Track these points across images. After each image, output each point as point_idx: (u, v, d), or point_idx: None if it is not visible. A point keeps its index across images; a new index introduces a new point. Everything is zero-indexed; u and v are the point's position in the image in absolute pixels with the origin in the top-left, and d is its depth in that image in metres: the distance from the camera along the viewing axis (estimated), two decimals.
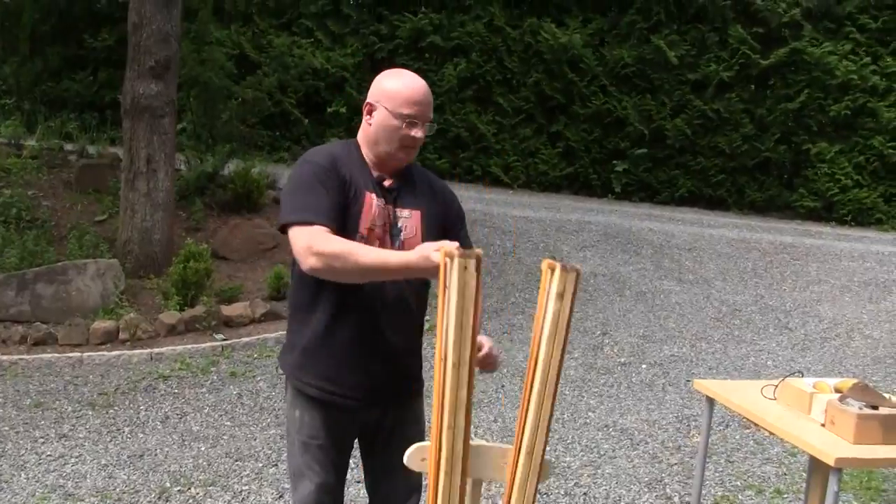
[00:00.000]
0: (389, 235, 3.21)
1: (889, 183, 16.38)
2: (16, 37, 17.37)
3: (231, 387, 7.00)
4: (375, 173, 3.23)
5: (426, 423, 3.40)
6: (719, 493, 5.57)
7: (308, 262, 3.02)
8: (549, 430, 2.83)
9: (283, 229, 3.10)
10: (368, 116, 3.22)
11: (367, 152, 3.26)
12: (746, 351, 8.72)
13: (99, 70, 17.17)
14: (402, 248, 3.19)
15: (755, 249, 13.02)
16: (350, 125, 17.07)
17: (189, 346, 7.76)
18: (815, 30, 16.43)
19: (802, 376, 4.04)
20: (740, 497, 5.55)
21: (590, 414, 6.80)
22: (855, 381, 3.62)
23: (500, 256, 11.28)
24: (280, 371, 3.54)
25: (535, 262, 11.19)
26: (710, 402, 4.26)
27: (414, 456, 3.00)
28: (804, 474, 5.91)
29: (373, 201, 3.17)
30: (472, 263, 2.95)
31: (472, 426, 3.02)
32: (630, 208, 15.66)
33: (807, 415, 3.70)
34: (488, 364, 3.13)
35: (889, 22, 16.37)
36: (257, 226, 10.79)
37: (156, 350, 7.65)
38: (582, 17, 16.87)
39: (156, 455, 5.70)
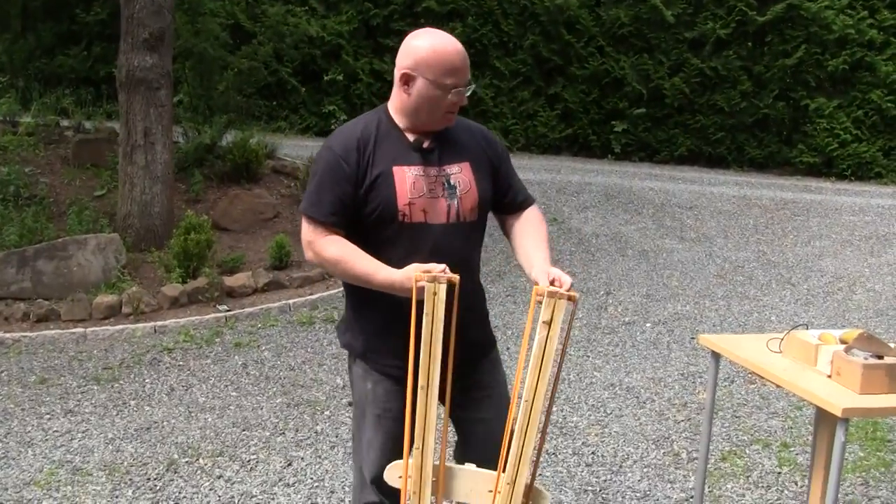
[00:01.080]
0: (445, 197, 3.18)
1: (888, 137, 16.29)
2: (7, 14, 17.28)
3: (236, 357, 7.00)
4: (412, 137, 3.20)
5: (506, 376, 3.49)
6: (727, 449, 5.58)
7: (307, 255, 3.21)
8: (538, 461, 2.84)
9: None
10: (406, 87, 3.15)
11: (401, 120, 3.22)
12: (750, 307, 8.71)
13: (93, 44, 17.09)
14: (459, 204, 3.19)
15: (756, 206, 13.00)
16: (347, 93, 17.01)
17: (192, 318, 7.76)
18: None
19: (808, 328, 4.02)
20: (747, 451, 5.56)
21: (595, 374, 6.80)
22: (860, 331, 3.60)
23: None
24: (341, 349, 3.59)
25: None
26: (716, 357, 4.24)
27: (391, 472, 3.04)
28: (810, 427, 5.92)
29: (406, 174, 3.14)
30: (442, 289, 2.95)
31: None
32: (630, 168, 15.62)
33: (812, 366, 3.69)
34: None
35: None
36: (257, 196, 10.76)
37: (159, 323, 7.65)
38: None
39: (162, 427, 5.71)
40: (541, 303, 2.86)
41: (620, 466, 5.31)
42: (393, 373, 3.22)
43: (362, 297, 3.22)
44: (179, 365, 6.83)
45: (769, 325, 8.17)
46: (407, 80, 3.13)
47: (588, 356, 7.19)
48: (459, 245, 3.20)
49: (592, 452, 5.44)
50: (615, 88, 16.57)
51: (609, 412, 6.09)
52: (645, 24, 16.36)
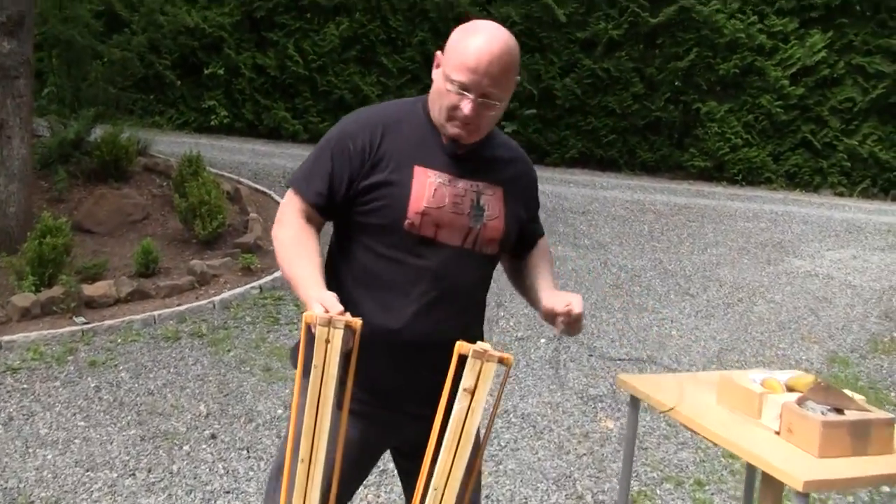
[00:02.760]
0: (470, 217, 2.70)
1: (777, 142, 16.19)
2: None
3: (89, 378, 6.25)
4: (447, 139, 2.71)
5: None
6: (635, 489, 5.06)
7: (273, 230, 2.81)
8: None
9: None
10: (436, 69, 2.75)
11: (432, 110, 2.74)
12: (649, 320, 8.28)
13: None
14: (483, 231, 2.72)
15: (650, 211, 12.65)
16: (229, 88, 16.30)
17: (44, 332, 6.98)
18: None
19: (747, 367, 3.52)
20: (658, 492, 5.06)
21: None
22: (812, 378, 3.10)
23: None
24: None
25: None
26: (635, 402, 3.69)
27: None
28: (724, 460, 5.48)
29: (428, 177, 2.68)
30: (337, 335, 2.35)
31: None
32: None
33: (755, 419, 3.16)
34: (572, 326, 2.73)
35: None
36: (126, 196, 9.99)
37: (6, 338, 6.83)
38: None
39: None
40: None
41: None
42: (359, 410, 2.72)
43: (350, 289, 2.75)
44: (23, 388, 6.05)
45: (670, 341, 7.75)
46: (437, 63, 2.75)
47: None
48: (470, 279, 2.77)
49: (486, 495, 4.86)
50: None
51: (503, 445, 5.52)
52: (536, 23, 15.93)
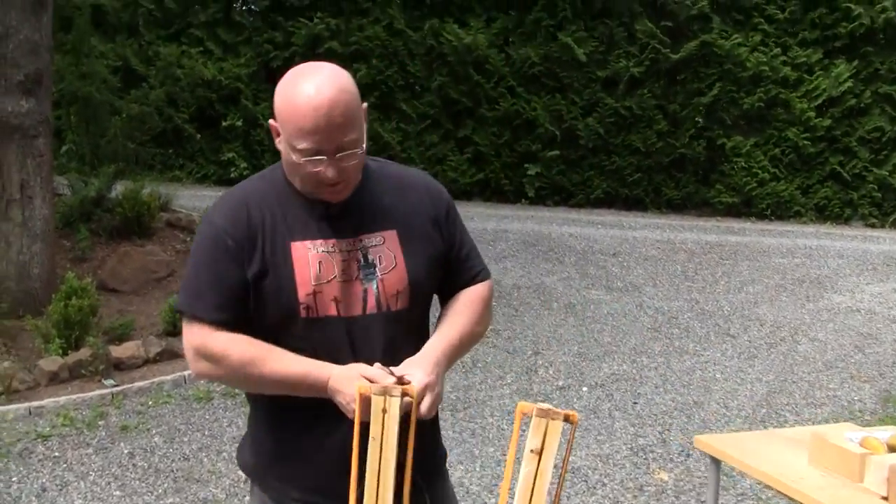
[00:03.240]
0: (360, 279, 2.41)
1: (805, 175, 15.93)
2: None
3: (122, 444, 6.05)
4: (316, 201, 2.42)
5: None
6: None
7: (195, 367, 2.45)
8: None
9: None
10: (277, 138, 2.41)
11: (289, 179, 2.46)
12: (691, 364, 8.03)
13: None
14: (380, 288, 2.42)
15: (681, 250, 12.41)
16: (247, 139, 16.16)
17: (74, 397, 6.78)
18: (723, 22, 15.90)
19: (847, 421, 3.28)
20: None
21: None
22: None
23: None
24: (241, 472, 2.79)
25: None
26: (716, 464, 3.45)
27: None
28: None
29: (309, 251, 2.39)
30: (395, 405, 2.18)
31: None
32: (546, 213, 14.95)
33: (856, 482, 2.92)
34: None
35: (796, 12, 15.88)
36: (150, 252, 9.81)
37: (35, 403, 6.65)
38: (485, 16, 16.13)
39: None
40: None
41: None
42: None
43: (270, 401, 2.48)
44: (55, 457, 5.85)
45: (715, 384, 7.50)
46: (275, 132, 2.41)
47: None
48: (385, 345, 2.43)
49: None
50: (527, 130, 15.93)
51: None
52: (556, 63, 15.77)
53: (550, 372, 7.67)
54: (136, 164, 12.84)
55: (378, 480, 2.19)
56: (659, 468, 5.81)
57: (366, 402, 2.20)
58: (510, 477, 2.19)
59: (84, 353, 7.28)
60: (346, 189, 2.40)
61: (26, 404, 6.65)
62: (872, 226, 15.63)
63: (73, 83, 11.61)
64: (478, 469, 5.71)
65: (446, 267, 2.58)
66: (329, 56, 15.70)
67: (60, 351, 7.29)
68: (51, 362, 7.14)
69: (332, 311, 2.37)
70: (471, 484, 5.49)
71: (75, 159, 12.18)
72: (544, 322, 9.07)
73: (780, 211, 15.82)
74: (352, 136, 2.31)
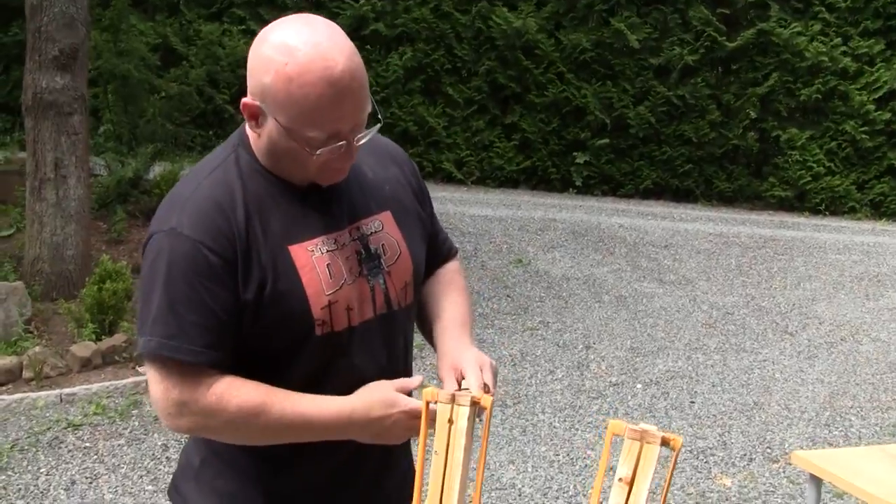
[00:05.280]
0: (365, 273, 2.00)
1: (861, 170, 15.42)
2: None
3: (155, 435, 5.76)
4: (305, 188, 1.99)
5: None
6: None
7: (177, 424, 1.92)
8: None
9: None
10: (253, 122, 1.94)
11: (272, 165, 1.98)
12: (749, 362, 7.65)
13: (11, 67, 15.74)
14: (388, 283, 2.03)
15: (735, 244, 12.00)
16: None
17: (106, 384, 6.50)
18: (782, 10, 15.39)
19: None
20: None
21: (589, 453, 5.68)
22: None
23: (461, 261, 10.10)
24: None
25: (499, 265, 10.10)
26: (816, 483, 3.09)
27: None
28: None
29: (313, 255, 1.95)
30: (462, 415, 1.87)
31: None
32: (594, 203, 14.56)
33: None
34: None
35: (858, 0, 15.42)
36: None
37: (66, 390, 6.38)
38: None
39: None
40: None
41: None
42: None
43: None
44: (86, 447, 5.57)
45: (775, 384, 7.13)
46: (253, 113, 1.93)
47: (576, 429, 6.08)
48: (388, 351, 2.07)
49: None
50: (576, 118, 15.52)
51: None
52: (608, 49, 15.35)
53: (603, 367, 7.33)
54: (174, 145, 12.63)
55: (441, 501, 1.86)
56: (721, 473, 5.46)
57: (430, 411, 1.88)
58: None
59: (118, 338, 7.01)
60: (348, 170, 2.00)
61: (57, 391, 6.39)
62: None
63: (110, 60, 11.36)
64: (530, 470, 5.38)
65: (427, 244, 2.24)
66: (374, 38, 15.44)
67: (94, 336, 7.03)
68: (83, 348, 6.88)
69: (345, 324, 1.97)
70: (523, 486, 5.16)
71: (112, 139, 11.97)
72: (595, 315, 8.72)
73: (835, 206, 15.33)
74: (367, 111, 1.93)
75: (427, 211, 2.25)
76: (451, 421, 1.86)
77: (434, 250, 2.29)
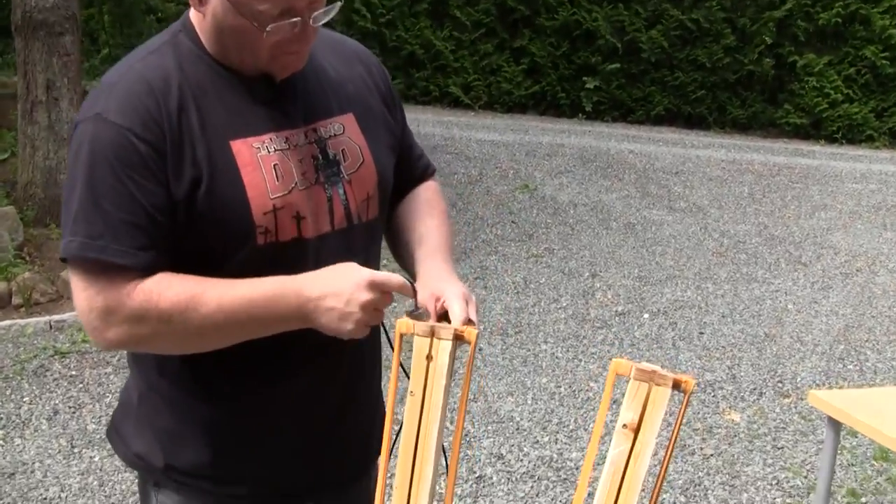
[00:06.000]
0: (322, 183, 1.75)
1: (881, 97, 15.09)
2: None
3: None
4: (254, 78, 1.73)
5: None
6: (779, 500, 4.27)
7: (106, 337, 1.63)
8: None
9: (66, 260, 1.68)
10: (196, 0, 1.69)
11: (218, 51, 1.72)
12: (760, 292, 7.42)
13: None
14: (348, 193, 1.77)
15: (748, 172, 11.71)
16: None
17: None
18: None
19: None
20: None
21: (592, 385, 5.47)
22: None
23: (466, 186, 9.88)
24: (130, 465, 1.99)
25: (504, 191, 9.85)
26: (835, 426, 2.85)
27: None
28: (875, 464, 4.66)
29: (258, 153, 1.69)
30: (443, 350, 1.62)
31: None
32: (603, 128, 14.26)
33: None
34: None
35: None
36: None
37: (56, 317, 6.18)
38: None
39: (31, 473, 4.26)
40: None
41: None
42: None
43: (188, 360, 1.77)
44: (71, 375, 5.36)
45: (787, 316, 6.90)
46: None
47: (579, 359, 5.86)
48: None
49: None
50: (587, 41, 15.15)
51: None
52: None
53: (609, 296, 7.10)
54: None
55: (415, 450, 1.62)
56: (729, 408, 5.25)
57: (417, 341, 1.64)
58: (593, 458, 1.63)
59: None
60: (305, 55, 1.75)
61: (47, 318, 6.20)
62: None
63: None
64: (529, 402, 5.17)
65: (399, 160, 1.97)
66: None
67: None
68: None
69: (293, 234, 1.72)
70: (521, 419, 4.96)
71: (109, 62, 11.69)
72: (602, 242, 8.48)
73: (852, 134, 15.02)
74: None
75: (397, 119, 1.97)
76: (429, 357, 1.61)
77: (408, 167, 2.03)
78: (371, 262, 1.83)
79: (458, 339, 1.64)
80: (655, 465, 1.61)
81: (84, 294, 1.63)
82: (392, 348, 1.67)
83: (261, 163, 1.68)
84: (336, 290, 1.61)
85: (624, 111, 15.24)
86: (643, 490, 1.59)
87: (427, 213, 1.98)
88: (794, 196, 10.69)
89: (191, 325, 1.61)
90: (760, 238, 8.97)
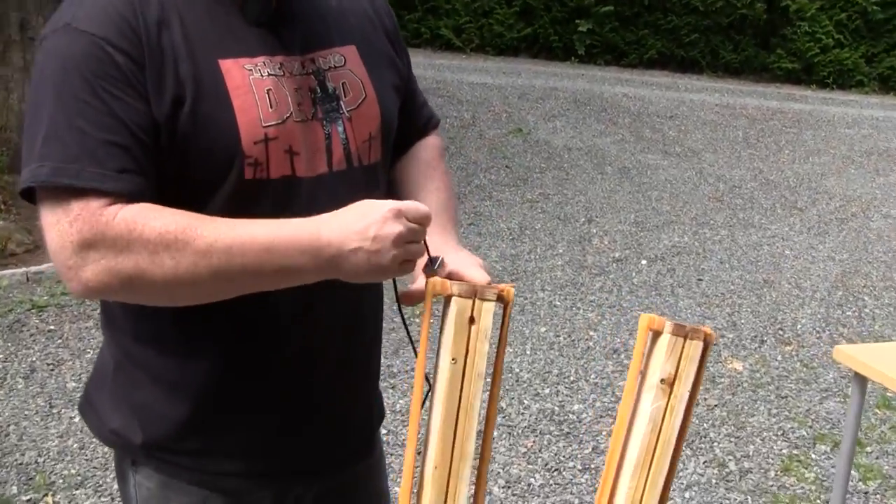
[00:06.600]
0: (320, 115, 1.55)
1: (871, 42, 14.99)
2: None
3: None
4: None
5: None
6: (785, 452, 4.19)
7: (82, 276, 1.37)
8: None
9: (29, 195, 1.41)
10: None
11: None
12: (758, 238, 7.33)
13: None
14: (348, 131, 1.58)
15: (742, 116, 11.60)
16: None
17: None
18: None
19: None
20: (813, 455, 4.19)
21: (591, 333, 5.37)
22: None
23: (459, 130, 9.74)
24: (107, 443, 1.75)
25: (498, 135, 9.71)
26: (862, 382, 2.76)
27: None
28: (879, 412, 4.60)
29: (250, 75, 1.48)
30: (486, 312, 1.46)
31: None
32: (596, 72, 14.09)
33: None
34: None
35: None
36: None
37: (33, 269, 5.92)
38: None
39: (7, 436, 4.06)
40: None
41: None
42: (230, 486, 1.66)
43: (167, 340, 1.59)
44: (49, 330, 5.14)
45: (785, 262, 6.82)
46: None
47: (577, 307, 5.76)
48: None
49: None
50: None
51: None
52: None
53: (605, 242, 7.00)
54: None
55: (456, 424, 1.49)
56: (731, 356, 5.17)
57: (446, 297, 1.48)
58: (628, 416, 1.53)
59: None
60: None
61: (23, 269, 5.98)
62: None
63: None
64: (528, 352, 5.07)
65: (401, 107, 1.77)
66: None
67: None
68: None
69: (287, 171, 1.50)
70: (520, 370, 4.86)
71: None
72: (597, 187, 8.36)
73: (842, 79, 14.94)
74: None
75: (403, 60, 1.80)
76: (472, 320, 1.45)
77: (410, 116, 1.82)
78: None
79: (500, 300, 1.49)
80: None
81: (56, 229, 1.37)
82: (400, 314, 1.53)
83: (253, 86, 1.47)
84: (359, 228, 1.38)
85: (617, 54, 15.08)
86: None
87: (428, 176, 1.80)
88: (787, 141, 10.59)
89: (181, 264, 1.36)
90: (756, 183, 8.87)
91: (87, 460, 3.89)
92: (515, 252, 6.61)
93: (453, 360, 1.46)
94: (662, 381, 1.47)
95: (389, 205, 1.40)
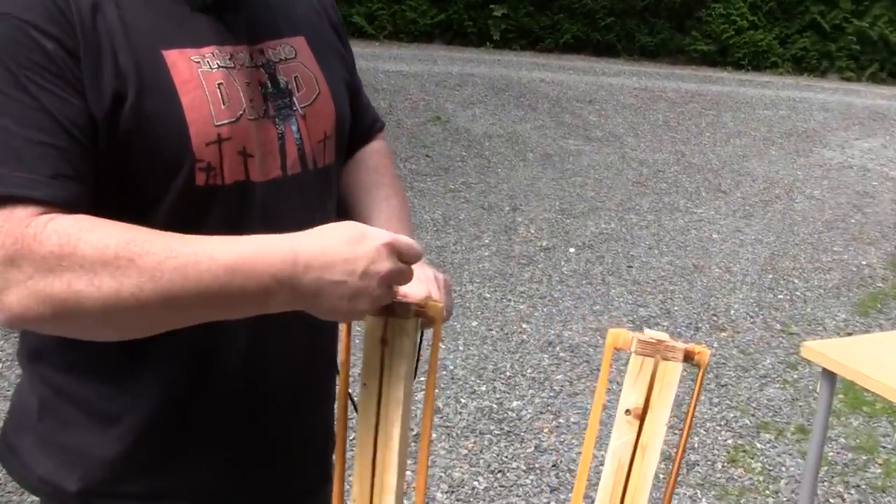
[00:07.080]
0: (272, 112, 1.37)
1: (784, 24, 15.06)
2: None
3: None
4: None
5: None
6: (730, 442, 4.10)
7: (8, 300, 1.13)
8: None
9: None
10: None
11: None
12: (684, 222, 7.26)
13: None
14: (304, 133, 1.40)
15: (661, 99, 11.55)
16: None
17: None
18: None
19: None
20: (758, 445, 4.11)
21: (524, 326, 5.23)
22: None
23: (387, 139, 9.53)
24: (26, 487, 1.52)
25: (416, 123, 9.54)
26: (831, 378, 2.62)
27: None
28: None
29: (199, 68, 1.29)
30: (407, 330, 1.28)
31: None
32: (512, 57, 13.95)
33: None
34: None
35: None
36: None
37: None
38: None
39: None
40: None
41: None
42: None
43: (110, 366, 1.38)
44: None
45: (713, 245, 6.76)
46: None
47: (508, 299, 5.61)
48: (308, 226, 1.29)
49: (553, 464, 3.86)
50: None
51: (557, 389, 4.51)
52: None
53: (532, 231, 6.86)
54: None
55: (374, 454, 1.31)
56: None
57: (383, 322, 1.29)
58: (591, 448, 1.36)
59: None
60: None
61: None
62: (849, 79, 14.80)
63: None
64: (461, 348, 4.91)
65: (350, 103, 1.60)
66: None
67: None
68: None
69: (241, 175, 1.33)
70: (455, 367, 4.69)
71: None
72: (520, 174, 8.22)
73: (757, 61, 14.97)
74: None
75: (349, 55, 1.64)
76: (384, 341, 1.29)
77: (356, 117, 1.64)
78: (327, 220, 1.31)
79: (420, 315, 1.31)
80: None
81: None
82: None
83: (202, 80, 1.29)
84: (346, 256, 1.18)
85: (532, 39, 14.94)
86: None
87: (377, 183, 1.64)
88: (708, 123, 10.56)
89: (124, 286, 1.13)
90: (679, 166, 8.81)
91: None
92: (441, 244, 6.44)
93: (364, 383, 1.30)
94: (627, 411, 1.29)
95: (384, 237, 1.21)
